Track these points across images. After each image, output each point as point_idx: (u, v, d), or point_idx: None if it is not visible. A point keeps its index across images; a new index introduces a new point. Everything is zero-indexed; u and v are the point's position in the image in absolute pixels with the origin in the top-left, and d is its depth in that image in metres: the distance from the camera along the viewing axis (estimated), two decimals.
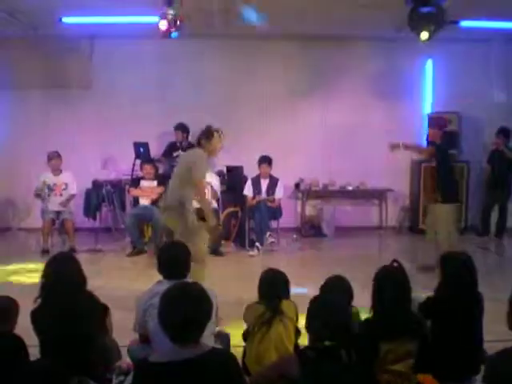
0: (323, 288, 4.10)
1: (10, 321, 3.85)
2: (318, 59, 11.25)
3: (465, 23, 9.58)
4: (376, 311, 3.77)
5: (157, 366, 2.87)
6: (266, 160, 9.86)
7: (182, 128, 10.54)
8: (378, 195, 11.68)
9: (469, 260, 4.17)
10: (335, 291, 4.02)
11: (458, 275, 4.07)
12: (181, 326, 2.88)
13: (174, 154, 10.60)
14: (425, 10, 7.37)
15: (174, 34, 7.70)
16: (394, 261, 3.92)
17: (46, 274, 3.92)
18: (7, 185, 11.25)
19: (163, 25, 7.78)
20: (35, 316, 3.80)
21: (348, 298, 4.09)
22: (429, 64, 11.53)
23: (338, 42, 11.12)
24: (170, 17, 7.57)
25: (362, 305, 4.02)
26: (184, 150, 10.49)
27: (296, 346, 4.03)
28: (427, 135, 8.54)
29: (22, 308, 3.93)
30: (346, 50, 11.26)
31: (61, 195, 9.52)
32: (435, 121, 8.28)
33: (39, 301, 3.89)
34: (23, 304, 3.96)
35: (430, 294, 4.19)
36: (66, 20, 9.63)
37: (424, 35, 7.58)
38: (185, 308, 2.88)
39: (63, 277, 3.86)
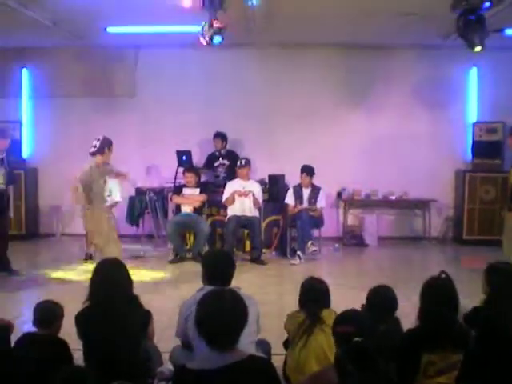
0: (369, 296, 4.08)
1: (53, 325, 3.90)
2: (361, 67, 11.20)
3: (510, 31, 9.45)
4: (422, 322, 3.73)
5: (195, 373, 2.88)
6: (306, 170, 9.82)
7: (222, 136, 10.65)
8: (422, 205, 11.55)
9: None
10: (380, 300, 4.00)
11: (503, 286, 4.01)
12: (216, 332, 2.89)
13: (215, 164, 10.70)
14: (472, 17, 7.28)
15: (218, 40, 7.64)
16: (442, 272, 3.88)
17: (95, 278, 3.96)
18: (52, 191, 11.46)
19: (210, 40, 7.74)
20: (79, 320, 3.84)
21: (393, 307, 4.08)
22: (473, 72, 11.38)
23: (382, 51, 11.08)
24: (213, 25, 7.56)
25: (406, 315, 3.98)
26: (224, 158, 10.60)
27: (337, 356, 4.00)
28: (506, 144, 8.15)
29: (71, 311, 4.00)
30: (389, 58, 11.21)
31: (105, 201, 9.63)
32: None
33: (87, 304, 3.93)
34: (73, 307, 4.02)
35: (477, 304, 4.14)
36: (111, 30, 9.78)
37: (477, 48, 7.50)
38: (219, 314, 2.90)
39: (111, 281, 3.89)
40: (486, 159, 10.98)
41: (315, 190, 9.90)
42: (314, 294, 4.22)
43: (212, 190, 10.35)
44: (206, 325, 2.91)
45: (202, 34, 7.56)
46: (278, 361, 4.06)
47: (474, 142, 11.11)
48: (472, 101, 11.43)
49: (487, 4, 7.03)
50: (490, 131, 10.97)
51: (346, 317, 3.44)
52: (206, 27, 7.44)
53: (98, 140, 7.71)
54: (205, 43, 7.60)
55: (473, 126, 11.18)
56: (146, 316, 4.07)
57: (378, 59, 11.21)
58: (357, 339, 3.15)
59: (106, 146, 7.73)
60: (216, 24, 7.41)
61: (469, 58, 10.08)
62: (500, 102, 10.91)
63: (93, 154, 7.65)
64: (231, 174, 10.27)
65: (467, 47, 7.63)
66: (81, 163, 7.93)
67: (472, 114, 11.42)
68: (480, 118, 11.28)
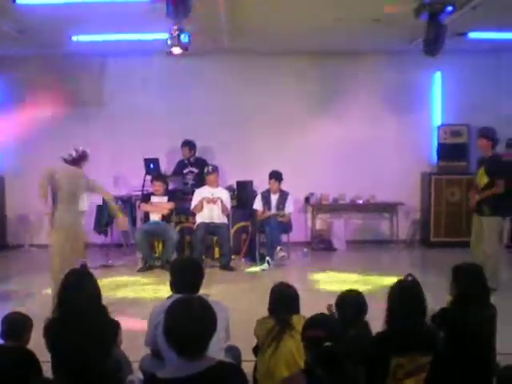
0: (338, 302, 4.10)
1: (22, 337, 3.86)
2: (329, 73, 11.29)
3: (473, 35, 9.60)
4: (390, 325, 3.75)
5: (165, 382, 2.86)
6: (274, 176, 9.87)
7: (190, 144, 10.63)
8: (389, 209, 11.64)
9: (480, 271, 4.17)
10: (350, 305, 4.02)
11: (469, 286, 4.05)
12: (184, 340, 2.86)
13: (185, 171, 10.66)
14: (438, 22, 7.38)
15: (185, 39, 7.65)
16: (409, 275, 3.91)
17: (64, 288, 3.92)
18: (20, 201, 11.30)
19: (176, 49, 7.71)
20: (49, 330, 3.80)
21: (362, 311, 4.08)
22: (438, 76, 11.53)
23: (349, 56, 11.17)
24: (179, 34, 7.55)
25: (375, 318, 4.00)
26: (192, 165, 10.58)
27: (306, 361, 4.02)
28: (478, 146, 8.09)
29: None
30: (356, 63, 11.31)
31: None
32: (484, 131, 7.87)
33: (54, 315, 3.88)
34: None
35: (444, 305, 4.18)
36: (78, 38, 9.70)
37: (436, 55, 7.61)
38: (187, 323, 2.87)
39: (80, 291, 3.86)
40: (452, 161, 11.11)
41: (283, 196, 9.93)
42: (283, 300, 4.22)
43: (180, 197, 10.32)
44: (175, 334, 2.89)
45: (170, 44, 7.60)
46: (247, 367, 4.06)
47: (439, 144, 11.22)
48: (437, 104, 11.57)
49: (450, 8, 7.15)
50: (455, 134, 11.10)
51: (315, 321, 3.46)
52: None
53: (77, 151, 7.43)
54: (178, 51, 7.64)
55: (438, 129, 11.30)
56: (115, 326, 4.05)
57: (345, 65, 11.31)
58: (326, 344, 3.17)
59: (81, 160, 7.43)
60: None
61: (433, 62, 10.17)
62: (464, 104, 11.06)
63: (66, 161, 7.33)
64: (200, 182, 10.25)
65: (426, 53, 7.71)
66: None
67: (437, 117, 11.56)
68: (445, 121, 11.41)
